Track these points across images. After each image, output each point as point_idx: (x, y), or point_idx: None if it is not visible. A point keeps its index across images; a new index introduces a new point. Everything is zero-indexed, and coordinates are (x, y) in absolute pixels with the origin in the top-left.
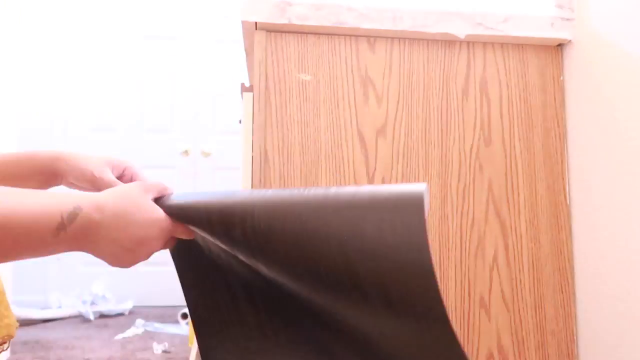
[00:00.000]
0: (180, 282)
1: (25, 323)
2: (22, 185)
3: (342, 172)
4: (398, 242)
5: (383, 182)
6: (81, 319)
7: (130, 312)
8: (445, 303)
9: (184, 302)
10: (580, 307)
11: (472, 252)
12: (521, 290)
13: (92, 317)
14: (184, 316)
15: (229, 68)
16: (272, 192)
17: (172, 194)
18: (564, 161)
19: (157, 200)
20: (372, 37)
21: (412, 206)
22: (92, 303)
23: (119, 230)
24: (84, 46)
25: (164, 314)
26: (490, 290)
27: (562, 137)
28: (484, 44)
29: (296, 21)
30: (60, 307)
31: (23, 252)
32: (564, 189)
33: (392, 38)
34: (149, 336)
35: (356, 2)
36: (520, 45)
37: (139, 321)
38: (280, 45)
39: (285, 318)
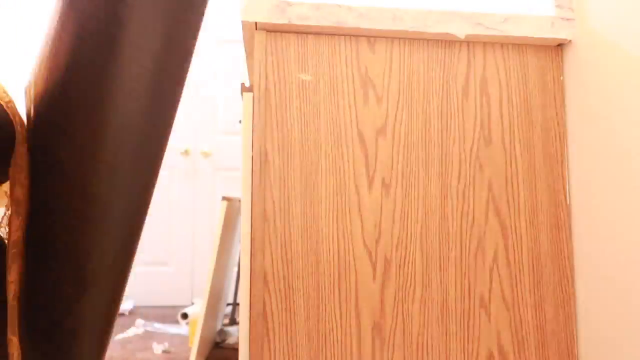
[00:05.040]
0: None
1: None
2: None
3: (342, 172)
4: None
5: (383, 182)
6: None
7: (131, 312)
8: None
9: (184, 302)
10: (580, 307)
11: (472, 252)
12: (521, 290)
13: None
14: (184, 316)
15: (229, 68)
16: None
17: None
18: (564, 161)
19: None
20: (372, 37)
21: None
22: None
23: None
24: None
25: (164, 314)
26: (490, 290)
27: (562, 137)
28: (484, 44)
29: (296, 21)
30: None
31: None
32: (564, 189)
33: (392, 38)
34: (149, 336)
35: (356, 2)
36: (520, 45)
37: (139, 321)
38: (280, 45)
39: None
